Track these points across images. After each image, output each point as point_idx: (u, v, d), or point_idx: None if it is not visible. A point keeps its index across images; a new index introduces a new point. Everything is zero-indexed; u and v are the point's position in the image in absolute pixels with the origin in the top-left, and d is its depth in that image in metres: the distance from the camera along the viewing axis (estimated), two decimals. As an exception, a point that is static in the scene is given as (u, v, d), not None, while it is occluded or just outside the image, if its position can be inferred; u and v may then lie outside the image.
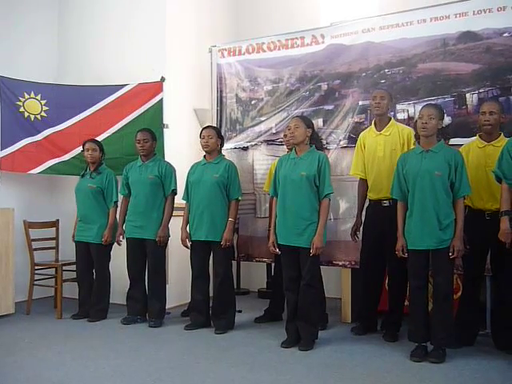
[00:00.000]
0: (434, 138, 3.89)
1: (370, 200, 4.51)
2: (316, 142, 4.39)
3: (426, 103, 4.20)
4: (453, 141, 4.23)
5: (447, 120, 4.25)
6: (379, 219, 4.37)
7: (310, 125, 4.27)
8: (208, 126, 4.96)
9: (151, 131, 5.09)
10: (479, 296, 4.19)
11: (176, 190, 4.99)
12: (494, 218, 3.93)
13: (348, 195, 4.89)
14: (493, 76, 4.37)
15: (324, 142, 4.98)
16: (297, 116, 4.55)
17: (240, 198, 4.82)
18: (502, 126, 4.08)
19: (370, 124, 4.64)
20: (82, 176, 5.27)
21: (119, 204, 5.18)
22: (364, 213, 4.58)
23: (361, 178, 4.58)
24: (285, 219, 4.18)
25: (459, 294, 4.26)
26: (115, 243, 5.14)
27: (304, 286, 4.12)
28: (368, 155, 4.48)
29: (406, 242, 3.92)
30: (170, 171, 4.99)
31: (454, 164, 3.80)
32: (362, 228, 4.56)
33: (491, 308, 4.27)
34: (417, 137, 3.99)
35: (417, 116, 4.45)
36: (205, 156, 4.83)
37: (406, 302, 4.37)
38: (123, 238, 5.09)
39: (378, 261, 4.46)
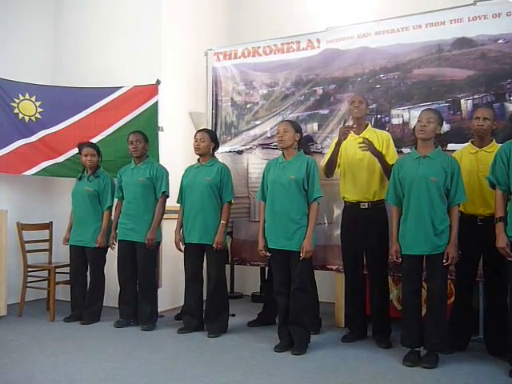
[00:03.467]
0: (431, 142, 3.90)
1: (345, 202, 4.52)
2: (304, 146, 4.40)
3: (424, 108, 4.22)
4: (447, 146, 4.26)
5: (446, 127, 4.27)
6: (357, 222, 4.40)
7: (298, 129, 4.29)
8: (202, 129, 4.95)
9: (143, 133, 5.07)
10: (472, 301, 4.20)
11: (167, 192, 4.97)
12: (486, 223, 3.96)
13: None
14: (487, 82, 4.39)
15: (319, 146, 5.00)
16: (286, 120, 4.59)
17: (233, 202, 4.82)
18: (495, 132, 4.11)
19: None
20: (80, 179, 5.25)
21: (114, 208, 5.17)
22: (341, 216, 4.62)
23: None
24: (274, 223, 4.19)
25: (452, 299, 4.27)
26: (109, 247, 5.12)
27: (295, 289, 4.12)
28: (346, 158, 4.48)
29: (400, 247, 3.93)
30: (161, 173, 4.97)
31: (450, 171, 3.81)
32: (340, 231, 4.58)
33: (484, 313, 4.28)
34: (414, 141, 4.00)
35: (412, 121, 4.50)
36: (199, 159, 4.83)
37: (399, 306, 4.37)
38: (115, 240, 5.07)
39: (360, 264, 4.49)
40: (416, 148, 3.97)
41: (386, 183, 4.30)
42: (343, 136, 4.38)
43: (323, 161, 4.66)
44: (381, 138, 4.40)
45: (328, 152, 4.63)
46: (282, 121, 4.63)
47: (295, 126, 4.30)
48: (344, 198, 4.52)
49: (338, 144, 4.44)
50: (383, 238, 4.32)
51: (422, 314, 3.98)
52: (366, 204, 4.37)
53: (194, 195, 4.69)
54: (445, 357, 3.91)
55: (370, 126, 4.53)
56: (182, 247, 4.78)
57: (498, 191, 3.71)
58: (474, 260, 4.08)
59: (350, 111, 4.57)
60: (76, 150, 5.40)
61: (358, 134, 4.45)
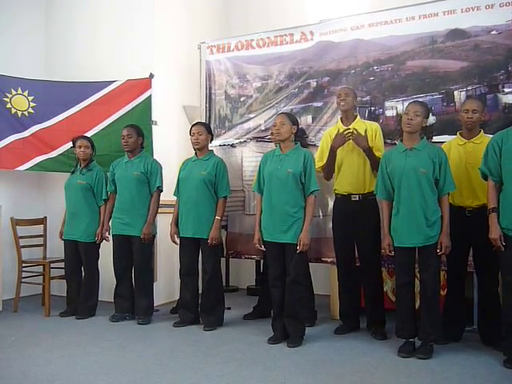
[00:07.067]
0: (417, 135, 3.91)
1: (336, 194, 4.51)
2: (301, 139, 4.39)
3: (413, 100, 4.22)
4: (440, 138, 4.27)
5: (432, 119, 4.27)
6: (349, 214, 4.38)
7: (295, 122, 4.27)
8: (198, 123, 4.94)
9: (137, 127, 5.05)
10: (464, 292, 4.21)
11: (161, 187, 4.96)
12: (474, 214, 3.99)
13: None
14: (481, 73, 4.40)
15: (313, 138, 4.99)
16: (282, 113, 4.55)
17: (228, 196, 4.81)
18: (488, 123, 4.11)
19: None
20: (73, 172, 5.23)
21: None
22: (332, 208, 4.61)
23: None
24: (271, 216, 4.18)
25: (446, 290, 4.28)
26: (103, 240, 5.11)
27: (290, 282, 4.12)
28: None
29: (392, 240, 3.94)
30: (155, 168, 4.96)
31: (438, 161, 3.83)
32: (331, 224, 4.57)
33: (477, 304, 4.29)
34: (400, 133, 4.01)
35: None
36: (196, 152, 4.82)
37: (393, 298, 4.38)
38: (109, 234, 5.07)
39: (353, 257, 4.49)
40: (402, 140, 3.97)
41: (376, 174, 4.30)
42: (339, 143, 4.32)
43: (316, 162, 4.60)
44: (369, 129, 4.37)
45: (318, 155, 4.57)
46: (279, 113, 4.58)
47: (292, 118, 4.29)
48: (335, 190, 4.52)
49: (333, 151, 4.38)
50: (375, 230, 4.30)
51: (416, 306, 4.01)
52: (357, 196, 4.37)
53: (189, 189, 4.69)
54: (439, 347, 3.93)
55: (358, 117, 4.50)
56: (177, 240, 4.78)
57: (490, 182, 3.73)
58: (464, 251, 4.08)
59: (337, 104, 4.55)
60: (69, 145, 5.40)
61: (347, 126, 4.43)
